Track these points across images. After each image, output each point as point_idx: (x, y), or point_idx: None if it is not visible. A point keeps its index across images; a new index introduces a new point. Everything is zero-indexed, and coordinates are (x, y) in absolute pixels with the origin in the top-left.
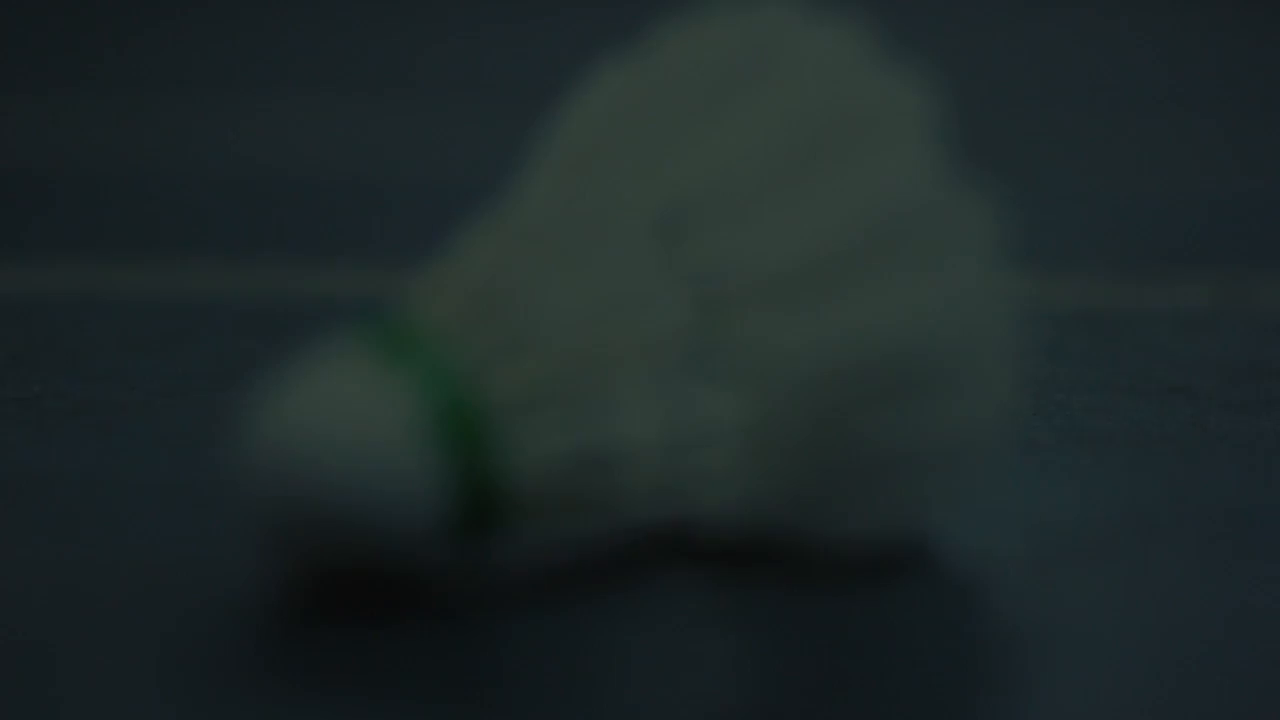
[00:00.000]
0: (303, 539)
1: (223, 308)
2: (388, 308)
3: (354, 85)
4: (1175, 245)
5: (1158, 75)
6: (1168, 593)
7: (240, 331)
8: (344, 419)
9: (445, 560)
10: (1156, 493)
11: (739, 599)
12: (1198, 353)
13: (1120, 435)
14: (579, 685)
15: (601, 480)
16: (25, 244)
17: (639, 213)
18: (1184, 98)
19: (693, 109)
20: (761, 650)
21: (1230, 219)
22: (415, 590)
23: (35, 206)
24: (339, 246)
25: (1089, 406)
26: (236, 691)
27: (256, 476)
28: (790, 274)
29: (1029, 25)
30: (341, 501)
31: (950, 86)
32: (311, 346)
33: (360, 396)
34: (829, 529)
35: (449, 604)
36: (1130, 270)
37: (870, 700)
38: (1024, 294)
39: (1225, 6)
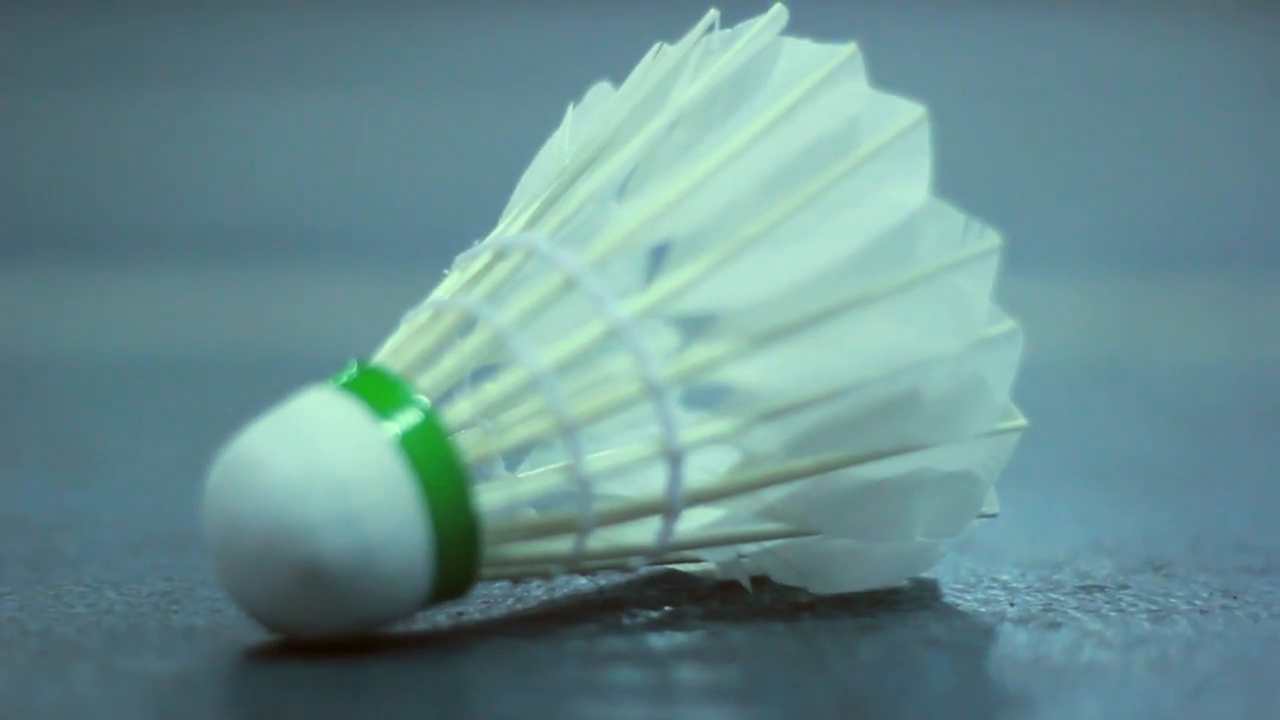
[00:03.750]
0: (281, 602)
1: (209, 344)
2: (366, 354)
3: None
4: (1187, 247)
5: (1173, 72)
6: (1179, 623)
7: (226, 371)
8: (321, 464)
9: (424, 604)
10: (1166, 526)
11: (734, 628)
12: (1209, 383)
13: (1130, 469)
14: (575, 719)
15: (587, 506)
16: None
17: (624, 242)
18: (1199, 95)
19: (681, 131)
20: (768, 678)
21: (1244, 223)
22: (389, 628)
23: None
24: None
25: (1095, 438)
26: None
27: (228, 522)
28: (778, 301)
29: (1042, 21)
30: (328, 553)
31: (954, 94)
32: (291, 391)
33: (341, 443)
34: (819, 558)
35: (424, 639)
36: (1140, 275)
37: None
38: (1023, 331)
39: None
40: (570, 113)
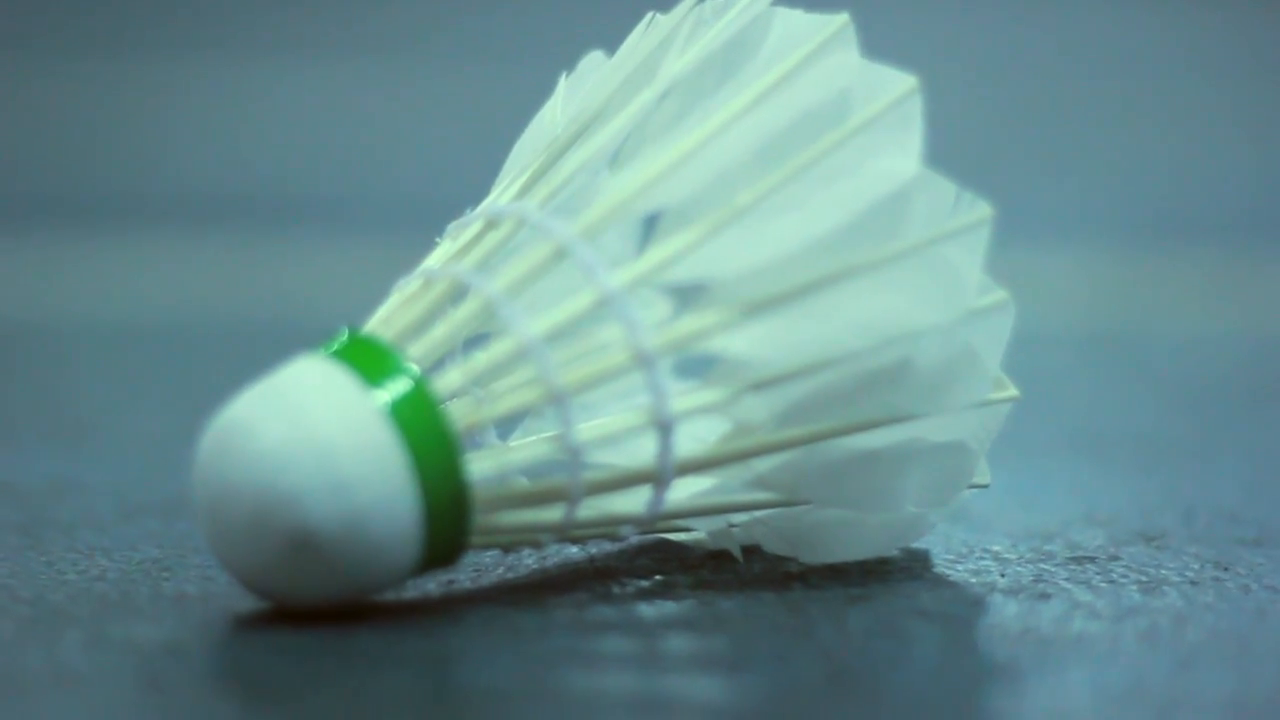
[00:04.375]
0: (272, 568)
1: (201, 312)
2: (358, 322)
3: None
4: (1184, 221)
5: (1170, 44)
6: (1170, 594)
7: (219, 338)
8: (311, 433)
9: (414, 572)
10: (1158, 498)
11: (724, 598)
12: (1203, 355)
13: (1124, 440)
14: (564, 688)
15: (578, 475)
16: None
17: (615, 211)
18: (1200, 78)
19: (672, 101)
20: (757, 647)
21: (1242, 195)
22: (379, 596)
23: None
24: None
25: (1088, 410)
26: (202, 697)
27: (218, 488)
28: (769, 271)
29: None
30: (318, 516)
31: (953, 72)
32: (282, 359)
33: (331, 411)
34: (810, 526)
35: (414, 608)
36: (1137, 247)
37: (871, 696)
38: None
39: None
40: (562, 82)
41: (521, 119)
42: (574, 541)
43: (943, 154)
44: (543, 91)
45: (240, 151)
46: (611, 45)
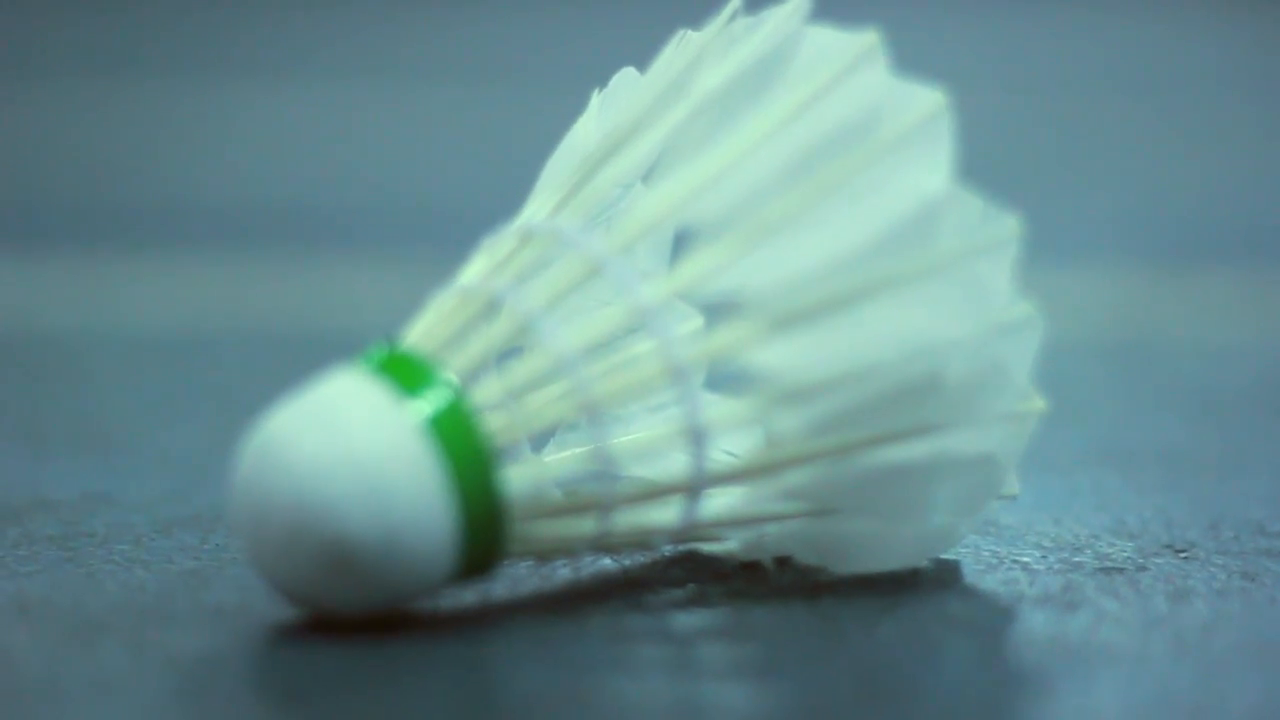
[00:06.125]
0: (309, 577)
1: (231, 326)
2: (395, 335)
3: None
4: (1211, 235)
5: (1196, 62)
6: (1196, 605)
7: (249, 352)
8: (350, 446)
9: (451, 582)
10: (1186, 510)
11: (757, 607)
12: (1230, 369)
13: (1151, 453)
14: (599, 695)
15: (611, 486)
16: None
17: (649, 227)
18: (1211, 89)
19: (704, 118)
20: (789, 655)
21: (1268, 210)
22: (416, 605)
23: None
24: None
25: (1116, 423)
26: (241, 707)
27: (255, 503)
28: (801, 286)
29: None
30: (353, 531)
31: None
32: (321, 370)
33: (369, 423)
34: (841, 538)
35: (450, 617)
36: (1163, 261)
37: (901, 704)
38: (1046, 302)
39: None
40: (595, 99)
41: (550, 136)
42: (608, 552)
43: (970, 169)
44: (569, 110)
45: (273, 168)
46: (637, 63)
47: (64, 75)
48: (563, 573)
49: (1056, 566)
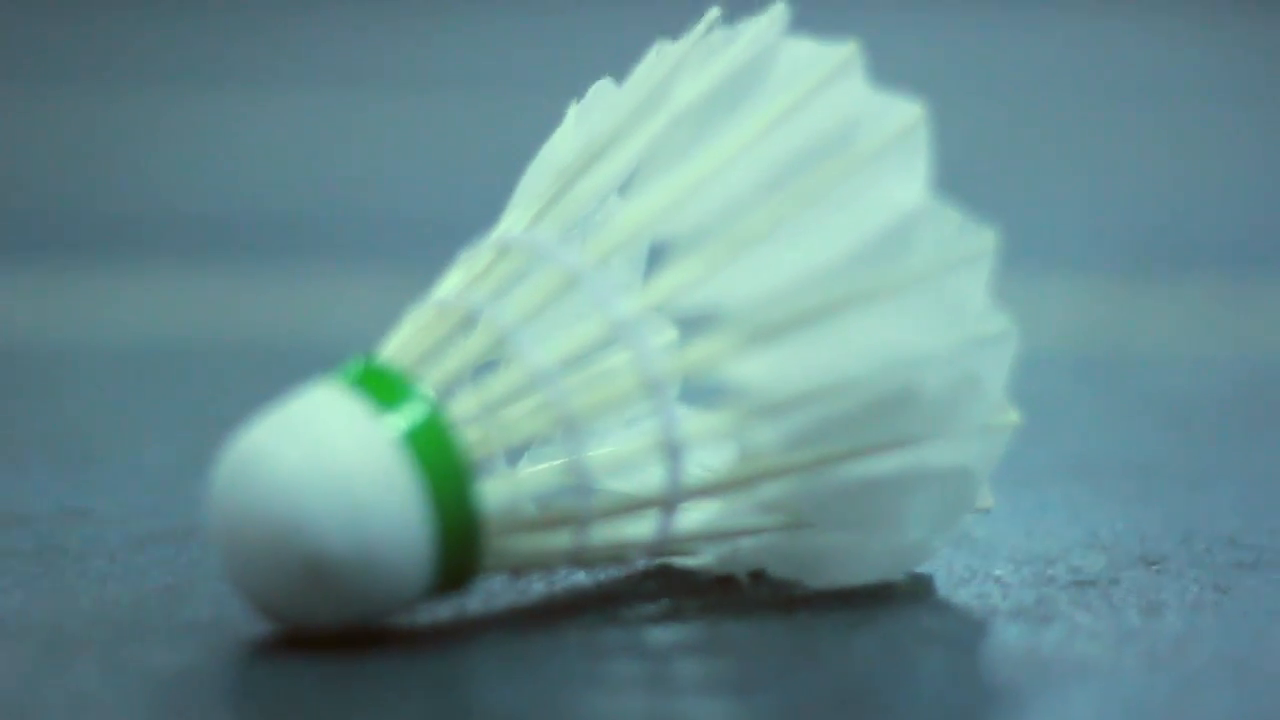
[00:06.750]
0: (284, 591)
1: (208, 339)
2: (371, 349)
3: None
4: (1183, 246)
5: (1170, 69)
6: (1169, 618)
7: (226, 365)
8: (326, 459)
9: (426, 597)
10: (1158, 523)
11: (731, 621)
12: (1203, 380)
13: (1123, 465)
14: (574, 710)
15: (585, 499)
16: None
17: (625, 239)
18: (1189, 94)
19: (682, 130)
20: (764, 670)
21: (1240, 220)
22: (392, 620)
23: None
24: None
25: (1088, 436)
26: None
27: (231, 515)
28: (777, 298)
29: (1043, 23)
30: (329, 544)
31: (947, 92)
32: (298, 384)
33: (345, 438)
34: (816, 551)
35: (426, 632)
36: (1136, 273)
37: (876, 717)
38: (1018, 315)
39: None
40: (572, 111)
41: (528, 147)
42: (583, 566)
43: (945, 178)
44: (548, 120)
45: (250, 179)
46: (616, 74)
47: (42, 84)
48: (538, 587)
49: (1029, 580)
